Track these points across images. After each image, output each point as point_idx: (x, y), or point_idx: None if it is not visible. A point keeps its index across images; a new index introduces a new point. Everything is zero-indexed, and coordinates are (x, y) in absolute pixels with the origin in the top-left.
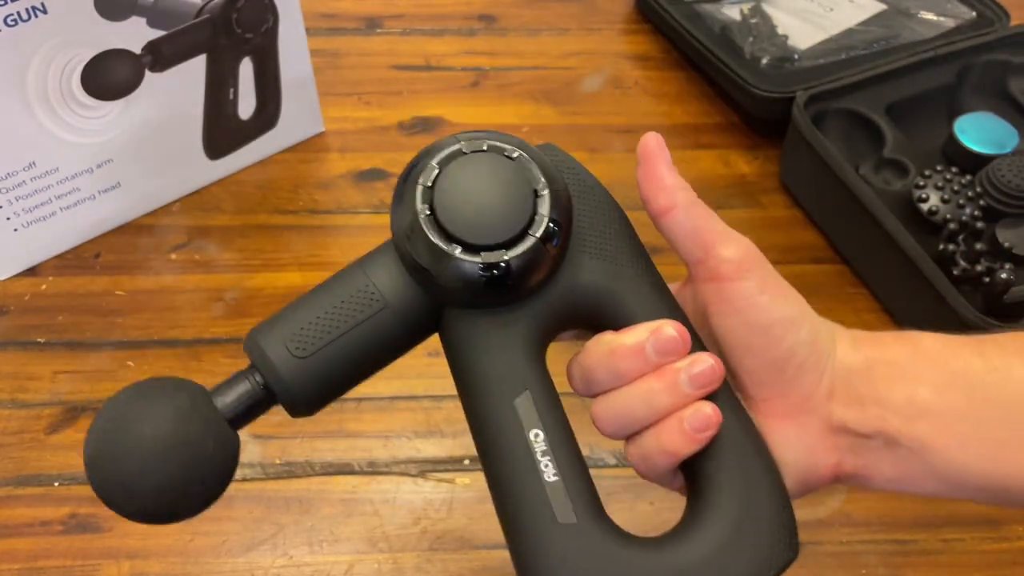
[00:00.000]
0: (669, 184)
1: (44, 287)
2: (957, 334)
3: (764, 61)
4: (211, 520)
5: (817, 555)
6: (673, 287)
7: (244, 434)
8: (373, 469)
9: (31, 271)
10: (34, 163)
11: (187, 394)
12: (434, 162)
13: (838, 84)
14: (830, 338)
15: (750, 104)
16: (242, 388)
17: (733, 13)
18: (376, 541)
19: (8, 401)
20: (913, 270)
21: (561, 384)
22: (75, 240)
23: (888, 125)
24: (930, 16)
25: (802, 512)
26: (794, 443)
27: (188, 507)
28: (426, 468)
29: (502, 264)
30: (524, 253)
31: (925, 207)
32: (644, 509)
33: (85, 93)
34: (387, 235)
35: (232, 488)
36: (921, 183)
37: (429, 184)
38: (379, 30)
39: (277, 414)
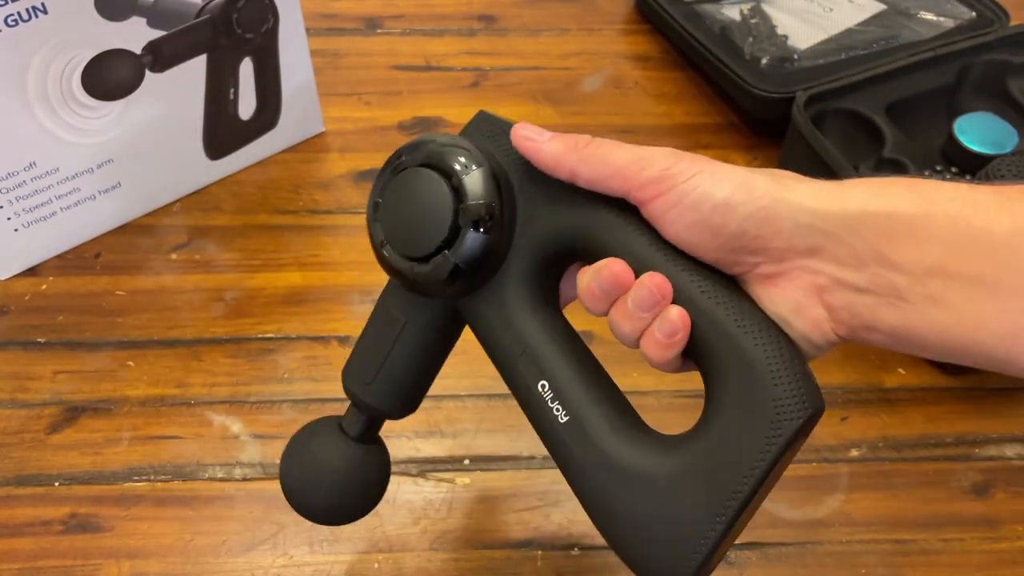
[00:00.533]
0: (554, 157)
1: (44, 287)
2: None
3: (764, 61)
4: (211, 520)
5: (817, 555)
6: None
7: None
8: None
9: (31, 271)
10: (34, 163)
11: (319, 437)
12: (377, 197)
13: (838, 84)
14: (792, 195)
15: (750, 104)
16: (352, 415)
17: (733, 13)
18: (376, 541)
19: (8, 401)
20: None
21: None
22: (75, 240)
23: (888, 125)
24: (930, 16)
25: (802, 512)
26: (782, 304)
27: (353, 509)
28: (426, 468)
29: (451, 263)
30: (464, 245)
31: None
32: None
33: (85, 93)
34: None
35: (232, 488)
36: None
37: (379, 219)
38: (379, 30)
39: (276, 414)
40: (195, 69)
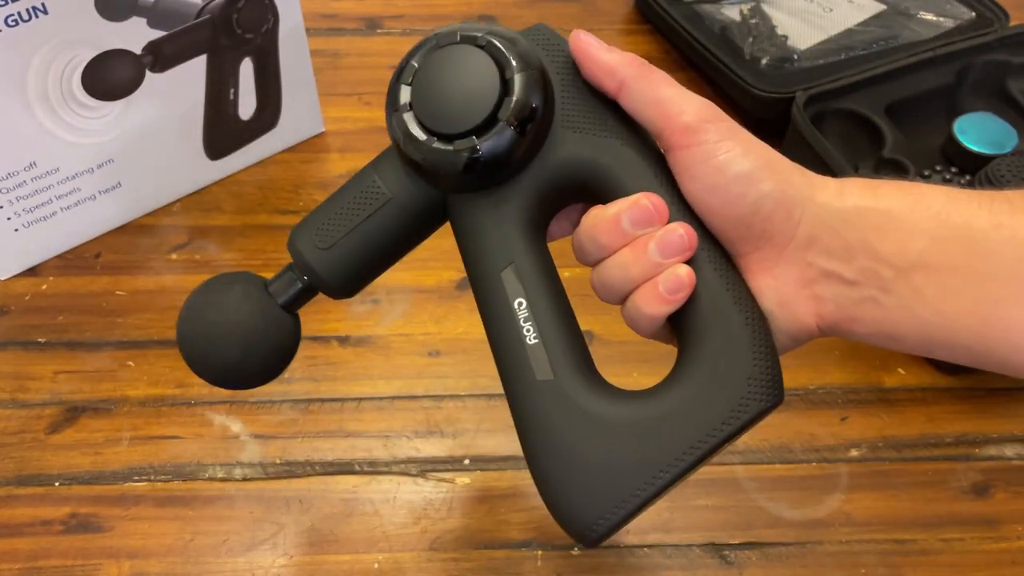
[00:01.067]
0: (609, 64)
1: (44, 287)
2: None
3: (764, 61)
4: (211, 520)
5: (817, 555)
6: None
7: (244, 434)
8: (373, 469)
9: (32, 271)
10: (35, 163)
11: (242, 286)
12: (413, 60)
13: (837, 84)
14: (805, 186)
15: (750, 104)
16: (287, 278)
17: (733, 13)
18: (376, 541)
19: (8, 401)
20: None
21: None
22: (76, 240)
23: (888, 125)
24: (929, 16)
25: (802, 512)
26: (769, 295)
27: (252, 374)
28: (426, 468)
29: (475, 150)
30: (494, 137)
31: None
32: None
33: (85, 93)
34: None
35: (232, 488)
36: None
37: (408, 81)
38: (379, 30)
39: (276, 414)
40: (195, 69)
